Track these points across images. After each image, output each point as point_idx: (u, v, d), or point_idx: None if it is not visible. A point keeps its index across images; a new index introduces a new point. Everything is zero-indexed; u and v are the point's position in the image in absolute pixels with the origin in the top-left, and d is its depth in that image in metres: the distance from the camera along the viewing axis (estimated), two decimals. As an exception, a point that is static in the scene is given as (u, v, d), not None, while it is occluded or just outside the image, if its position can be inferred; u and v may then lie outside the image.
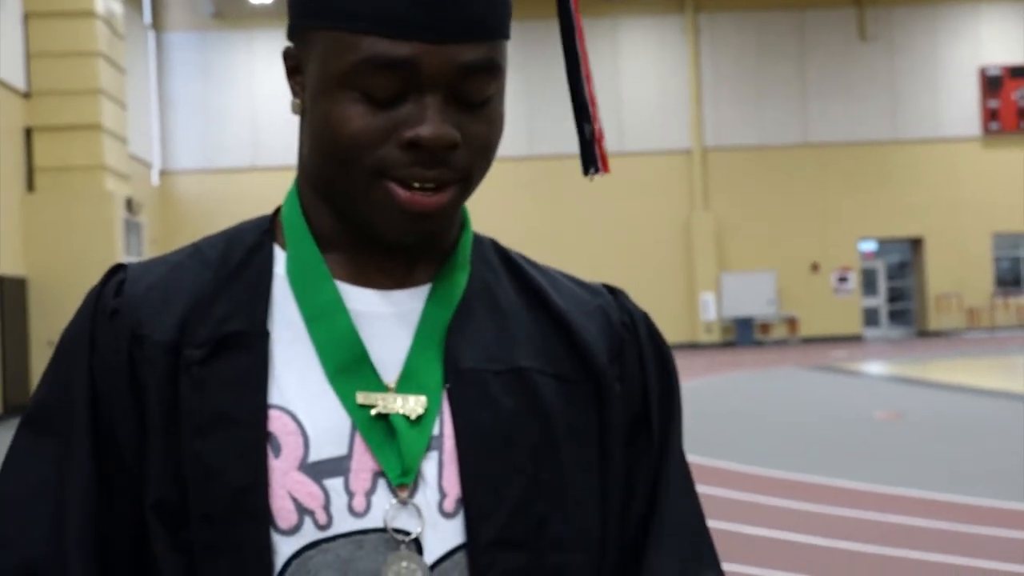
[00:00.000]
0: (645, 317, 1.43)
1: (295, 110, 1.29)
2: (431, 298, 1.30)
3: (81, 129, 22.79)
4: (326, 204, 1.29)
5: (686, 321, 35.35)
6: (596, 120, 1.32)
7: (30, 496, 1.28)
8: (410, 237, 1.25)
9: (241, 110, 34.01)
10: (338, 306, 1.27)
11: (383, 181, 1.21)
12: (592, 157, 1.34)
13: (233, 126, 34.24)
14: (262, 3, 33.54)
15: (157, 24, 34.25)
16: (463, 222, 1.36)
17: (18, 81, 22.36)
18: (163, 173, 34.03)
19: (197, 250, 1.34)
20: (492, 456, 1.25)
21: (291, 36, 1.29)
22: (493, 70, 1.23)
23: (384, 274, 1.30)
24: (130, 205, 23.91)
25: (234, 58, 34.01)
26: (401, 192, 1.21)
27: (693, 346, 34.76)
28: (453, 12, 1.20)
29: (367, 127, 1.20)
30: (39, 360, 22.02)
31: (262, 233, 1.34)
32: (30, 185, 22.83)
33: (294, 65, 1.29)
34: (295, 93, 1.29)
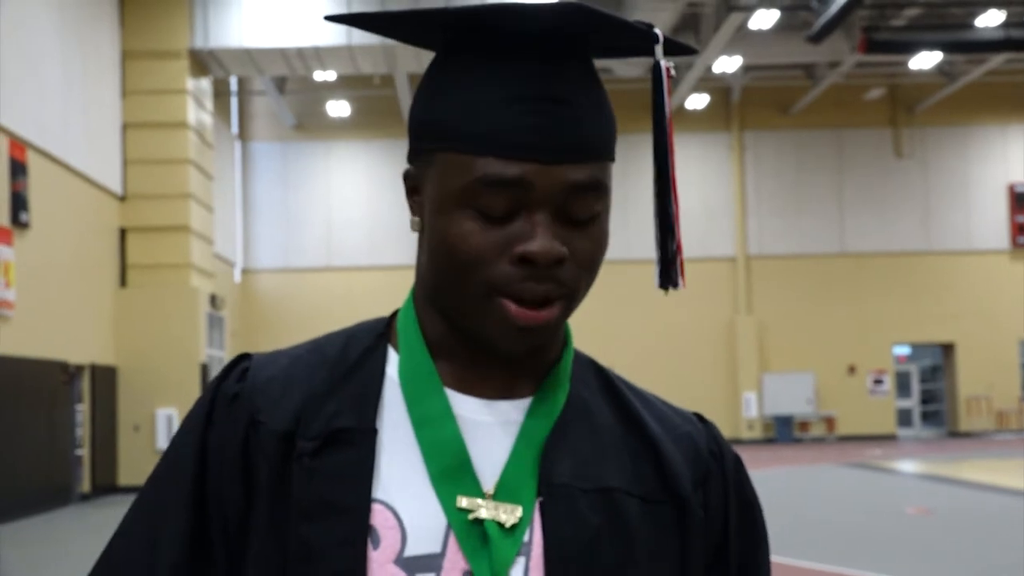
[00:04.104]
0: (735, 454, 1.40)
1: (414, 227, 1.29)
2: (531, 411, 1.28)
3: (171, 230, 23.14)
4: (439, 314, 1.28)
5: (729, 418, 35.04)
6: (679, 237, 1.31)
7: (129, 562, 1.29)
8: (519, 349, 1.24)
9: (317, 214, 34.31)
10: (447, 414, 1.25)
11: (496, 297, 1.21)
12: (674, 273, 1.34)
13: (310, 229, 34.53)
14: (339, 116, 33.96)
15: (243, 134, 34.77)
16: (565, 339, 1.35)
17: (115, 185, 22.75)
18: (244, 271, 34.31)
19: (317, 346, 1.34)
20: (575, 569, 1.23)
21: (411, 159, 1.29)
22: (599, 189, 1.23)
23: (489, 384, 1.28)
24: (213, 300, 24.15)
25: (312, 166, 34.39)
26: (513, 307, 1.21)
27: (736, 442, 34.38)
28: (563, 135, 1.20)
29: (483, 243, 1.20)
30: (126, 443, 22.15)
31: (378, 336, 1.33)
32: (123, 281, 23.13)
33: (413, 186, 1.28)
34: (414, 211, 1.28)
